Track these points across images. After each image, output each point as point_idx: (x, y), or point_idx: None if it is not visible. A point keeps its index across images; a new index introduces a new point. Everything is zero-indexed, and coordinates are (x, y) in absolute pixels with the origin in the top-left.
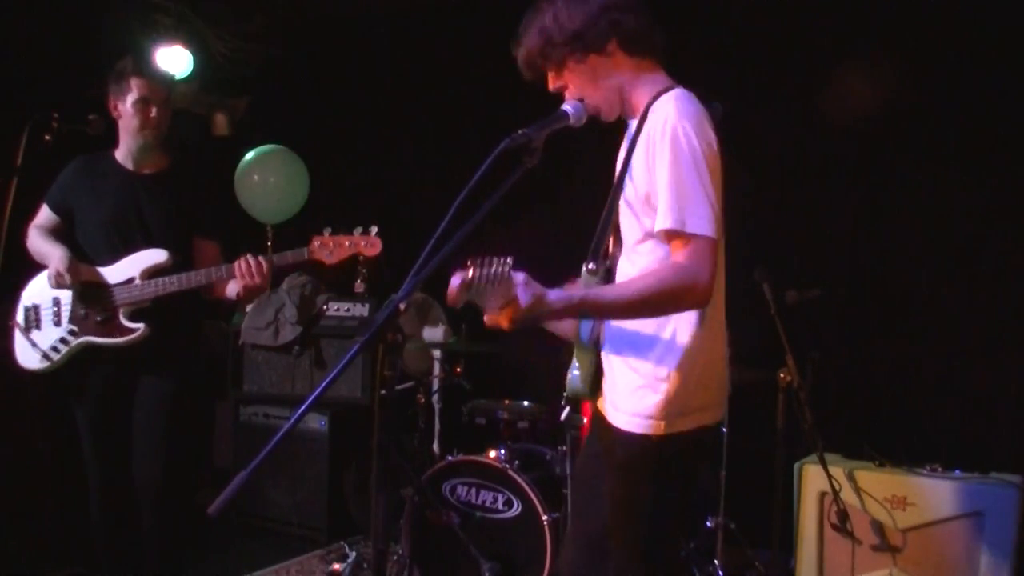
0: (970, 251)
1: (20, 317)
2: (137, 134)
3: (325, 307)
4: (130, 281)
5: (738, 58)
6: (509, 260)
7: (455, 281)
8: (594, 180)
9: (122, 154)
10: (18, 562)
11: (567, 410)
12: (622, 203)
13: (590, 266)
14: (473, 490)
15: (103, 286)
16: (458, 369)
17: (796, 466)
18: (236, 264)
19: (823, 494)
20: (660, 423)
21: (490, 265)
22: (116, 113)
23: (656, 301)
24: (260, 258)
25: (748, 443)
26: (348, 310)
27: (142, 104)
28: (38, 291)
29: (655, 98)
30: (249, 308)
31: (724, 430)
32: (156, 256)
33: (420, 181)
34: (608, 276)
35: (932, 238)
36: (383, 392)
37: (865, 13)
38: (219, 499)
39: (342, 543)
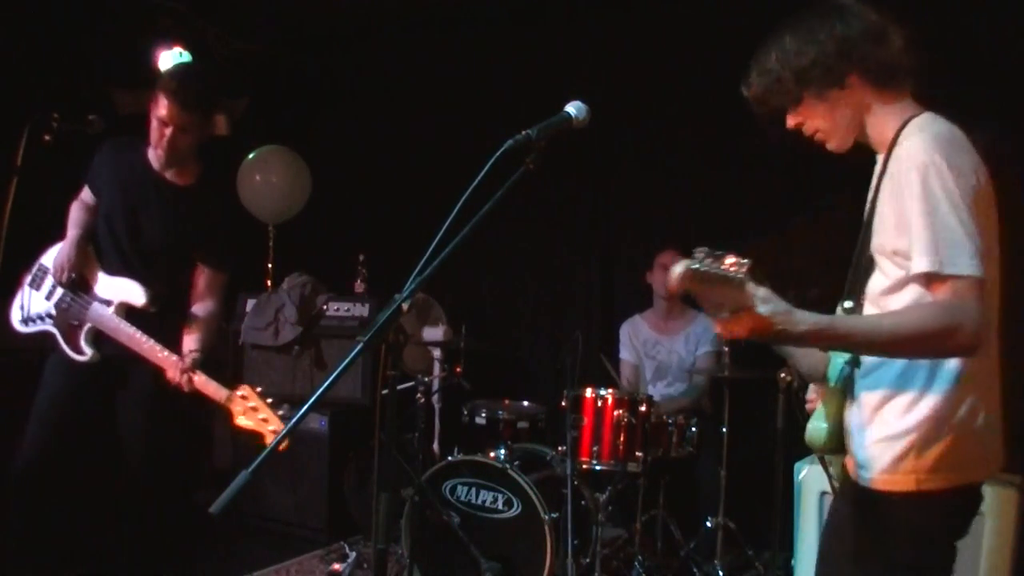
0: None
1: (31, 274)
2: (153, 147)
3: (325, 307)
4: (108, 304)
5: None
6: (746, 262)
7: (679, 268)
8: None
9: (152, 154)
10: (19, 562)
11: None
12: (873, 250)
13: (846, 304)
14: (473, 490)
15: (90, 291)
16: (458, 369)
17: (796, 466)
18: (175, 365)
19: (823, 494)
20: (908, 478)
21: (724, 260)
22: (150, 115)
23: (916, 337)
24: (189, 375)
25: (748, 443)
26: (348, 310)
27: (160, 123)
28: (53, 255)
29: (902, 128)
30: (249, 308)
31: (724, 430)
32: (136, 296)
33: (421, 181)
34: None
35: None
36: (384, 392)
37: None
38: (220, 499)
39: (342, 543)
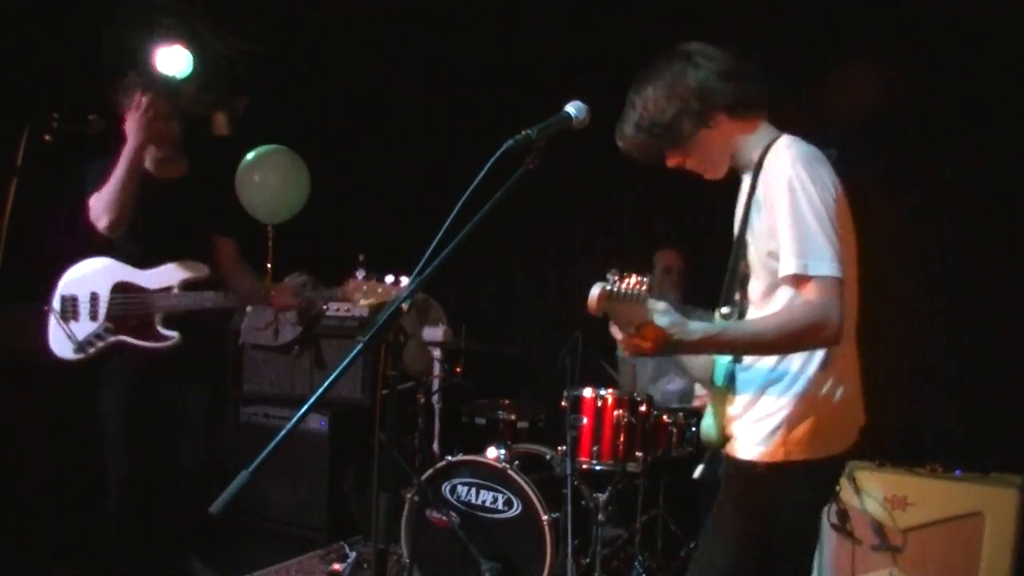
0: (970, 250)
1: (56, 304)
2: (155, 143)
3: (325, 307)
4: (168, 289)
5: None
6: (647, 279)
7: (596, 291)
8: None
9: (146, 161)
10: (19, 563)
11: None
12: (750, 257)
13: (724, 310)
14: (473, 490)
15: (141, 290)
16: (458, 369)
17: None
18: (273, 297)
19: None
20: (779, 450)
21: (629, 279)
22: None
23: (791, 335)
24: (296, 299)
25: None
26: (348, 310)
27: (152, 121)
28: (76, 282)
29: (766, 150)
30: (249, 308)
31: None
32: (196, 269)
33: (421, 182)
34: (741, 319)
35: (932, 237)
36: (385, 392)
37: (864, 12)
38: (220, 499)
39: (342, 543)
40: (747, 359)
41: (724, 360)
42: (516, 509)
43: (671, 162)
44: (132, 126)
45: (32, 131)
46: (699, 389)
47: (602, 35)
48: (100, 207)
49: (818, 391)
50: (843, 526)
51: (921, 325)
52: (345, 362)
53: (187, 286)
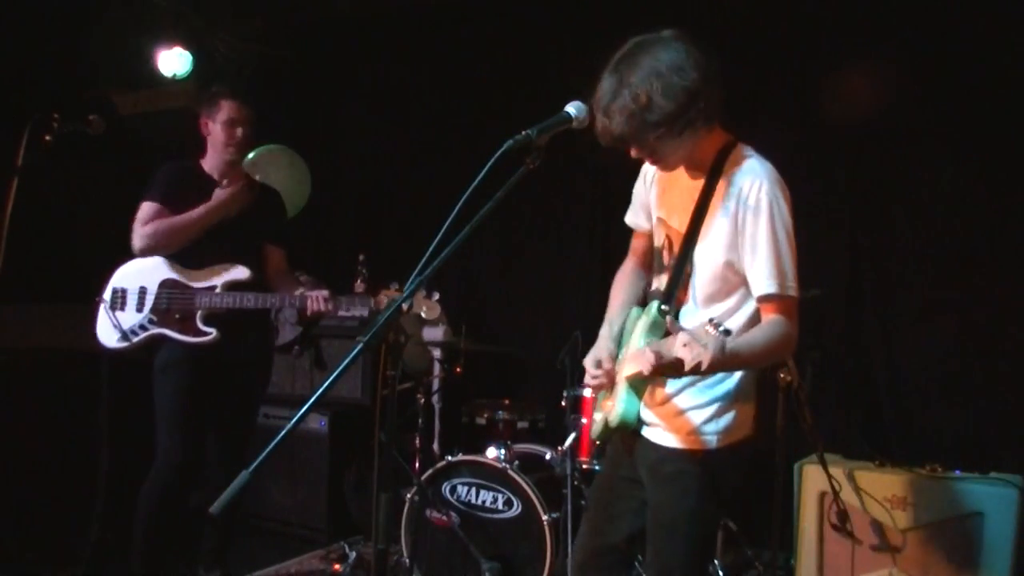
0: (970, 250)
1: (107, 295)
2: (224, 150)
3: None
4: (211, 288)
5: (736, 55)
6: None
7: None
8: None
9: (209, 166)
10: (20, 563)
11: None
12: (698, 259)
13: (663, 307)
14: (473, 490)
15: (186, 288)
16: (458, 369)
17: (796, 466)
18: (309, 301)
19: (823, 494)
20: (711, 438)
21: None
22: (206, 130)
23: (774, 351)
24: (330, 304)
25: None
26: (348, 310)
27: (230, 124)
28: (128, 276)
29: (722, 153)
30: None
31: None
32: (240, 273)
33: (421, 182)
34: (676, 317)
35: (932, 237)
36: (385, 392)
37: (864, 12)
38: (220, 499)
39: (342, 543)
40: None
41: (643, 342)
42: (516, 509)
43: (636, 153)
44: (222, 194)
45: (32, 131)
46: (593, 368)
47: (602, 35)
48: (151, 230)
49: (741, 385)
50: (843, 526)
51: (921, 326)
52: (345, 362)
53: (230, 287)
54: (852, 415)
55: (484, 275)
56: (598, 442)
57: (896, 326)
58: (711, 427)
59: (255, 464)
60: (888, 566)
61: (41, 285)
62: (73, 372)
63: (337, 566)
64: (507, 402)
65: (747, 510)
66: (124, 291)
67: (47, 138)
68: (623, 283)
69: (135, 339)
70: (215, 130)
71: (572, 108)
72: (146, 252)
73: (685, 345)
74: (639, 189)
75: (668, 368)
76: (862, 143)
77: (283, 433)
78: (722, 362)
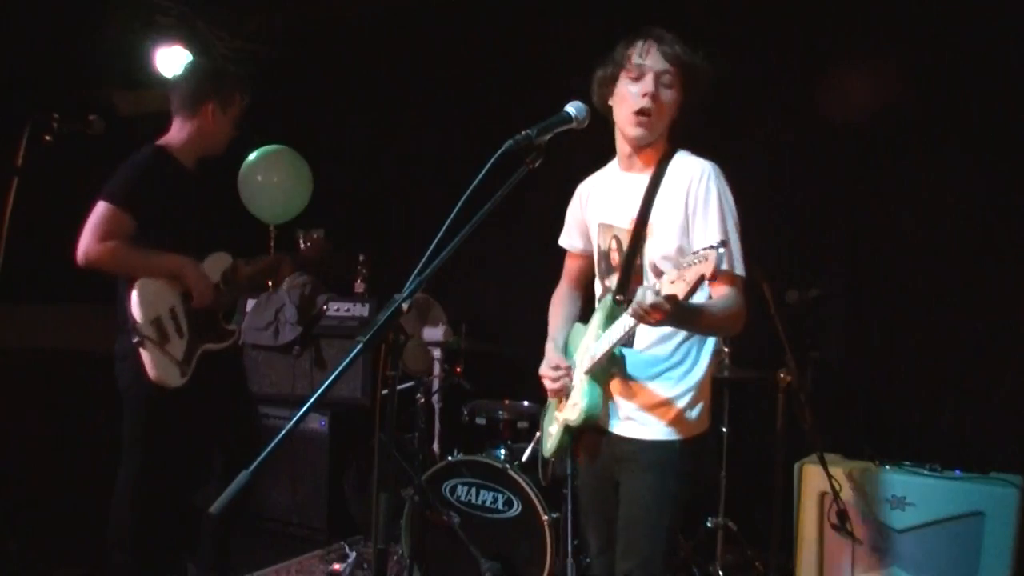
0: (970, 250)
1: (151, 332)
2: (220, 144)
3: (325, 307)
4: (217, 286)
5: (736, 54)
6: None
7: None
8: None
9: (184, 153)
10: (20, 563)
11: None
12: (648, 249)
13: (618, 297)
14: (473, 490)
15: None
16: (458, 369)
17: (796, 466)
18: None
19: (823, 494)
20: (681, 428)
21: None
22: (207, 117)
23: (730, 325)
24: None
25: (748, 443)
26: (348, 310)
27: (239, 122)
28: (150, 304)
29: (664, 157)
30: (249, 308)
31: (724, 430)
32: (225, 259)
33: (421, 181)
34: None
35: (932, 237)
36: (385, 392)
37: (864, 12)
38: (220, 499)
39: (342, 543)
40: (642, 343)
41: (607, 346)
42: (516, 509)
43: (659, 88)
44: (195, 287)
45: (32, 131)
46: (548, 369)
47: (602, 35)
48: (110, 253)
49: (707, 378)
50: (843, 526)
51: (921, 326)
52: (345, 362)
53: (225, 278)
54: (852, 415)
55: (484, 275)
56: (552, 459)
57: (896, 326)
58: (686, 415)
59: (255, 464)
60: (888, 566)
61: (41, 285)
62: (73, 372)
63: (337, 566)
64: (507, 402)
65: (747, 510)
66: (159, 320)
67: (47, 138)
68: (559, 304)
69: (190, 369)
70: (220, 120)
71: (572, 108)
72: (90, 266)
73: (673, 282)
74: (574, 211)
75: (666, 309)
76: (862, 143)
77: (283, 433)
78: (688, 311)
